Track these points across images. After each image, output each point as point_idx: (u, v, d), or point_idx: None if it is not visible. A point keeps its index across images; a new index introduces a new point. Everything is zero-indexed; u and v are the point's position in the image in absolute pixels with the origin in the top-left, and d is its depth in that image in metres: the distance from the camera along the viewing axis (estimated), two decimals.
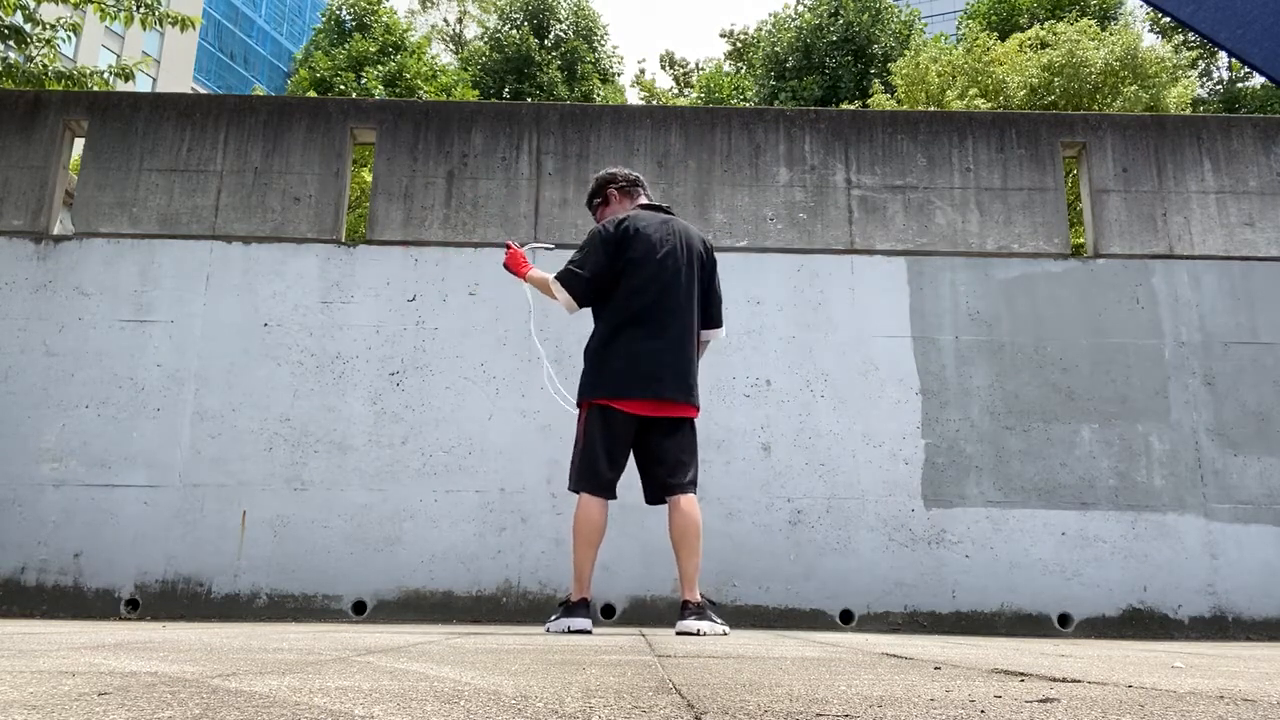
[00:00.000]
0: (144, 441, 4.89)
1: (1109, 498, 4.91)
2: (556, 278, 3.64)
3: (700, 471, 4.73)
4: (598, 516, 3.49)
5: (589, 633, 3.36)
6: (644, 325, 3.52)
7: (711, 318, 3.80)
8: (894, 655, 2.29)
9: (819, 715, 1.06)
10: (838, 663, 1.97)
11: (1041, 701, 1.24)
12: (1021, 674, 1.73)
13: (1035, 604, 4.78)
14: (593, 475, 3.51)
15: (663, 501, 3.59)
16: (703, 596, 3.51)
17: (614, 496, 3.58)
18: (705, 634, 3.28)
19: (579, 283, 3.60)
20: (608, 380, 3.52)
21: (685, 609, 3.42)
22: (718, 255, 5.18)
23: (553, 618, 3.50)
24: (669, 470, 3.53)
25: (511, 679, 1.44)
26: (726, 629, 3.43)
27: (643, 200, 3.87)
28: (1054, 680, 1.60)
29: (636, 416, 3.53)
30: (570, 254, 3.74)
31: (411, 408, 4.97)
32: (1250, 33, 1.01)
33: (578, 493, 3.56)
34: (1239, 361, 5.10)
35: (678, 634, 3.34)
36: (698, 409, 3.66)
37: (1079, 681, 1.58)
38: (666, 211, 3.82)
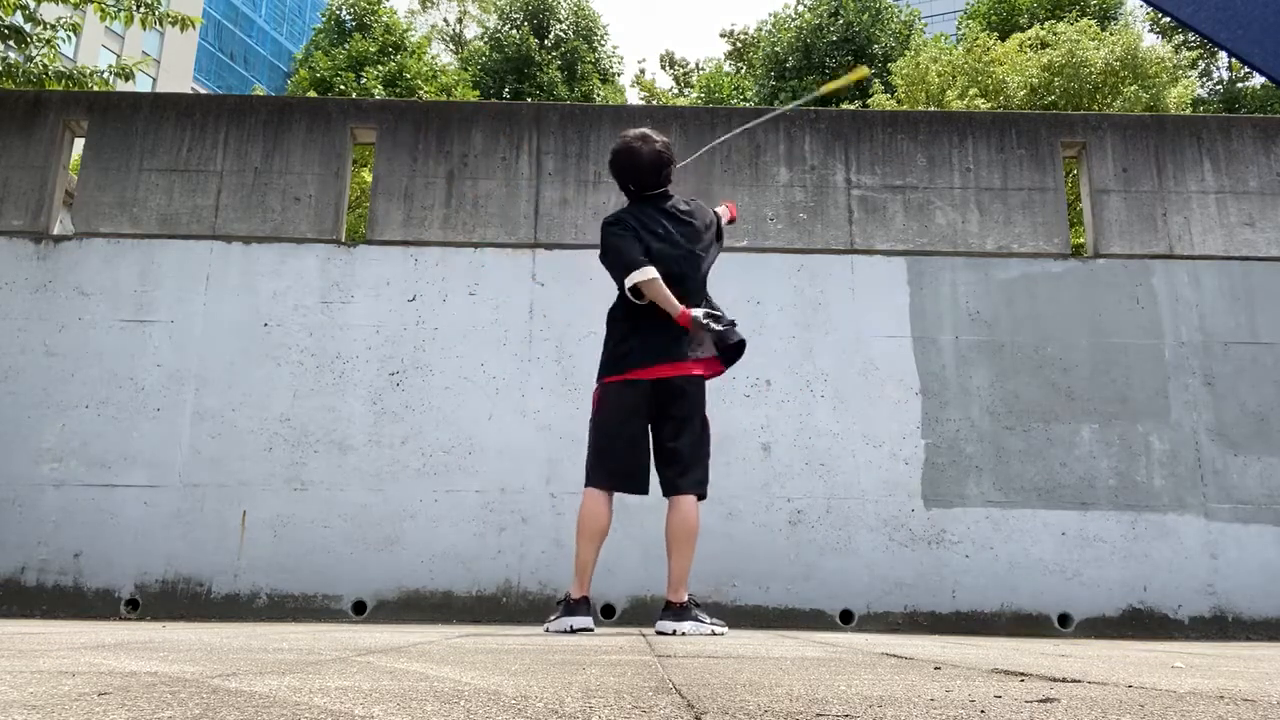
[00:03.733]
0: (144, 441, 4.89)
1: (1109, 498, 4.91)
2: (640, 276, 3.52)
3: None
4: (601, 510, 3.46)
5: (591, 631, 3.36)
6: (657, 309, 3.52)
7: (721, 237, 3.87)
8: (894, 655, 2.29)
9: (819, 715, 1.06)
10: (838, 663, 1.97)
11: (1041, 701, 1.24)
12: (1021, 674, 1.72)
13: (1035, 604, 4.78)
14: (602, 466, 3.50)
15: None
16: (690, 598, 3.49)
17: (642, 490, 3.50)
18: (684, 634, 3.27)
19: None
20: (625, 355, 3.53)
21: (666, 609, 3.42)
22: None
23: (552, 617, 3.49)
24: (681, 468, 3.52)
25: (511, 679, 1.44)
26: (719, 628, 3.41)
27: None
28: (1054, 680, 1.60)
29: (647, 388, 3.49)
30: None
31: (411, 408, 4.97)
32: (1250, 33, 1.01)
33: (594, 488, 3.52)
34: (1239, 361, 5.10)
35: (656, 633, 3.34)
36: (720, 363, 3.61)
37: (1079, 681, 1.58)
38: (663, 199, 3.74)
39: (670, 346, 3.49)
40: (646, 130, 3.72)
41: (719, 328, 3.43)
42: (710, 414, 3.64)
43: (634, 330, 3.52)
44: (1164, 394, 5.05)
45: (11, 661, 1.66)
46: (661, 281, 3.45)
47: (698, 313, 3.43)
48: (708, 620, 3.43)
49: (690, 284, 3.56)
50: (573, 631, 3.33)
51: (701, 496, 3.54)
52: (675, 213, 3.67)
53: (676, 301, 3.44)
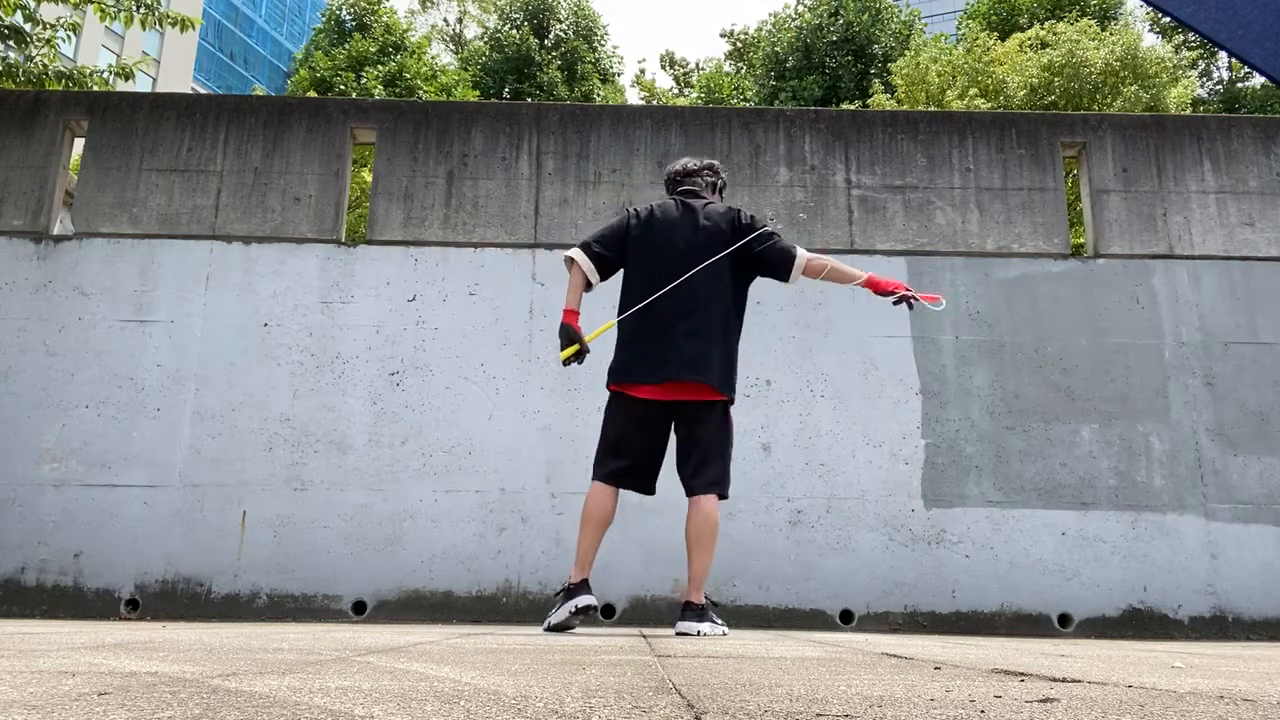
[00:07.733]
0: (144, 441, 4.89)
1: (1109, 498, 4.91)
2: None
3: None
4: (606, 501, 3.49)
5: (594, 608, 3.37)
6: (651, 311, 3.47)
7: (776, 271, 3.63)
8: (894, 655, 2.29)
9: (819, 715, 1.06)
10: (838, 663, 1.97)
11: (1041, 701, 1.24)
12: (1021, 674, 1.72)
13: (1035, 604, 4.78)
14: (600, 463, 3.55)
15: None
16: (706, 599, 3.51)
17: (625, 486, 3.53)
18: (704, 634, 3.28)
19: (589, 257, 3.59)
20: (619, 365, 3.54)
21: (687, 609, 3.42)
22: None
23: (553, 609, 3.47)
24: (693, 469, 3.52)
25: (511, 679, 1.44)
26: (726, 630, 3.43)
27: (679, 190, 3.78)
28: (1054, 680, 1.60)
29: (656, 403, 3.50)
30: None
31: (411, 408, 4.97)
32: (1250, 33, 1.01)
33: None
34: (1239, 361, 5.10)
35: (677, 634, 3.34)
36: (719, 391, 3.50)
37: (1079, 681, 1.58)
38: (693, 197, 3.68)
39: (654, 365, 3.44)
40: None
41: (574, 355, 3.43)
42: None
43: (625, 340, 3.52)
44: (1164, 394, 5.05)
45: (11, 661, 1.66)
46: (580, 272, 3.52)
47: (594, 334, 3.49)
48: (720, 622, 3.44)
49: (675, 288, 3.42)
50: (577, 611, 3.32)
51: (722, 495, 3.50)
52: (696, 211, 3.60)
53: (574, 301, 3.52)
